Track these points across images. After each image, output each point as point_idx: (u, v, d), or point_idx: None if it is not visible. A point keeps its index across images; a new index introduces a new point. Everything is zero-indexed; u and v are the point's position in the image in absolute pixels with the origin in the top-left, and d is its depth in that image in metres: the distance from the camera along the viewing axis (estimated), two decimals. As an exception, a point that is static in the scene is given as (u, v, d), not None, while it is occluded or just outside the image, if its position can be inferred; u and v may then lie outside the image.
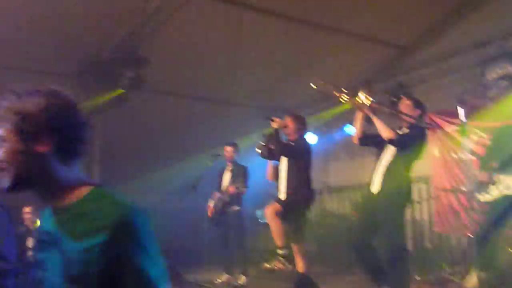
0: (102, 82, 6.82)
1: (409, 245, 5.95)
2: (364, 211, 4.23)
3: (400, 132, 4.17)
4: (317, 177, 9.29)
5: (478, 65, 6.70)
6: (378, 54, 8.12)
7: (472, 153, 6.92)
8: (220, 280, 6.24)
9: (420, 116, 4.23)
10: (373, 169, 4.23)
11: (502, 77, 6.41)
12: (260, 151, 4.98)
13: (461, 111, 3.62)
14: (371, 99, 4.05)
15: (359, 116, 4.25)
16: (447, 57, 7.24)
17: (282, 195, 4.84)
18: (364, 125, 4.26)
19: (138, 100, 7.02)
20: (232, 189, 6.28)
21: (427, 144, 4.41)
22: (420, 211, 7.50)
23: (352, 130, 4.38)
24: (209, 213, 6.57)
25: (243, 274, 6.22)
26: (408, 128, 4.20)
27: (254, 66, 7.20)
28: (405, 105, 4.23)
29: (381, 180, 4.06)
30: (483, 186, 4.02)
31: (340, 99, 4.19)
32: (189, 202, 6.83)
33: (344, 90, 4.19)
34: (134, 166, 8.01)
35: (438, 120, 7.37)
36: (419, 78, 7.70)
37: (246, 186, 6.25)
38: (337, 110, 9.05)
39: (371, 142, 4.35)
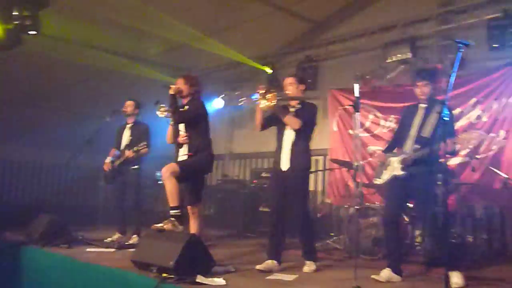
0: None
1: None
2: (277, 189, 4.47)
3: (293, 110, 4.51)
4: (221, 143, 9.47)
5: (381, 48, 7.07)
6: (292, 26, 8.28)
7: (366, 130, 7.37)
8: (110, 239, 6.11)
9: (305, 90, 4.61)
10: (278, 148, 4.52)
11: (401, 62, 6.82)
12: (162, 114, 4.90)
13: (356, 87, 3.78)
14: (272, 102, 4.25)
15: (258, 110, 4.43)
16: (355, 37, 7.54)
17: (183, 157, 4.82)
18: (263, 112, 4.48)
19: (35, 45, 6.49)
20: (129, 153, 6.10)
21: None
22: (316, 182, 7.91)
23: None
24: (105, 168, 6.37)
25: (136, 234, 6.14)
26: (300, 105, 4.53)
27: (169, 22, 6.95)
28: (289, 83, 4.53)
29: (289, 158, 4.39)
30: (380, 168, 4.29)
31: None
32: (85, 158, 6.56)
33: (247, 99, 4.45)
34: (26, 116, 7.48)
35: (339, 96, 7.72)
36: (328, 54, 7.98)
37: (147, 146, 6.11)
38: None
39: (273, 123, 4.60)
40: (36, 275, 5.00)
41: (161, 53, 8.13)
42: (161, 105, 4.89)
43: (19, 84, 7.35)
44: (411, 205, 5.10)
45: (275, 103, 4.26)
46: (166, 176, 4.50)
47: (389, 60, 6.88)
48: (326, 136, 7.70)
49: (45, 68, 7.47)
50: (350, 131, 7.49)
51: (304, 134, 4.44)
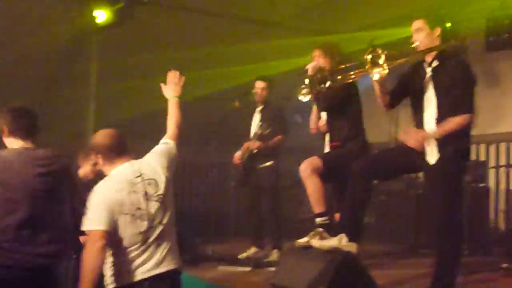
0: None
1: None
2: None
3: (429, 70, 4.15)
4: (383, 128, 9.26)
5: None
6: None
7: None
8: (245, 255, 6.39)
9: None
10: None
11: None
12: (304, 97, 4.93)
13: None
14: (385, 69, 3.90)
15: (375, 84, 4.19)
16: None
17: (327, 148, 4.85)
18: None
19: (145, 17, 7.02)
20: (253, 145, 6.30)
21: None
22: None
23: None
24: (235, 162, 6.63)
25: (276, 248, 6.32)
26: (437, 60, 4.13)
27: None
28: (416, 29, 4.15)
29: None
30: None
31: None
32: (210, 155, 6.89)
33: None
34: (138, 101, 8.11)
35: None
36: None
37: (282, 134, 6.22)
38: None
39: (404, 94, 4.35)
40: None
41: (295, 15, 8.21)
42: (302, 86, 4.92)
43: (127, 62, 8.01)
44: None
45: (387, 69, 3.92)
46: (306, 174, 4.54)
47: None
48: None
49: (158, 43, 8.03)
50: None
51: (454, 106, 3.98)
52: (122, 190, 3.34)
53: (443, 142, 3.94)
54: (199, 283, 5.06)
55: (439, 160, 3.96)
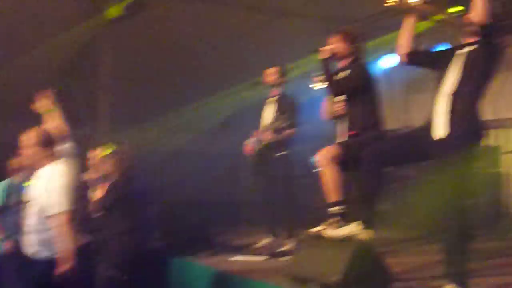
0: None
1: None
2: None
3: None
4: (394, 114, 9.25)
5: None
6: None
7: None
8: (260, 245, 6.42)
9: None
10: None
11: None
12: (317, 85, 4.94)
13: None
14: None
15: (408, 23, 4.12)
16: None
17: (342, 137, 4.84)
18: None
19: (158, 9, 7.02)
20: (267, 135, 6.32)
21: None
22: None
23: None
24: (246, 150, 6.66)
25: (290, 237, 6.34)
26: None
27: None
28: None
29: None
30: None
31: None
32: (223, 144, 6.94)
33: None
34: (153, 97, 8.14)
35: None
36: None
37: (294, 126, 6.25)
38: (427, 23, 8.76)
39: (428, 61, 4.30)
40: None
41: (306, 2, 8.17)
42: (316, 73, 4.93)
43: (139, 57, 8.01)
44: None
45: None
46: (324, 162, 4.56)
47: None
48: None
49: (168, 34, 8.02)
50: None
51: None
52: None
53: (454, 118, 3.89)
54: (215, 273, 5.12)
55: (448, 136, 3.90)
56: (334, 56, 4.80)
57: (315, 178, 5.55)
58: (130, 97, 7.98)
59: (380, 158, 4.23)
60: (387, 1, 3.93)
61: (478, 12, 3.70)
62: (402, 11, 4.08)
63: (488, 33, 3.73)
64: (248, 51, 8.24)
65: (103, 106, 8.04)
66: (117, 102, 7.72)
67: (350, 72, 4.80)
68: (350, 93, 4.79)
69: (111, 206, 5.22)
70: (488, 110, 4.11)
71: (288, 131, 6.28)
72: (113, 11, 6.93)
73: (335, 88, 4.81)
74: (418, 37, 4.19)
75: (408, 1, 3.93)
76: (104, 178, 5.43)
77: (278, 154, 6.40)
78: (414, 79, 9.20)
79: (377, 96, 4.86)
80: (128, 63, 7.77)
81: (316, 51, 4.79)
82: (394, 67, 8.74)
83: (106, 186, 5.36)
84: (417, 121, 4.69)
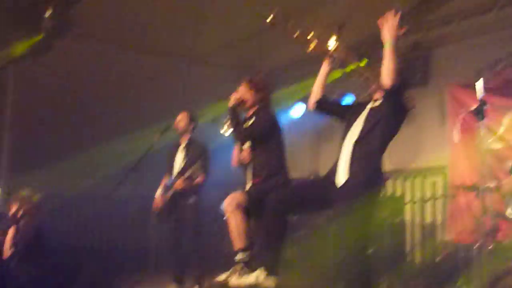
0: (19, 25, 6.74)
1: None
2: None
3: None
4: (304, 162, 9.42)
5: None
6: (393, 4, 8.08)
7: (501, 138, 7.05)
8: (165, 293, 6.31)
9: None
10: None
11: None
12: (226, 131, 5.01)
13: (479, 85, 3.57)
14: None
15: (325, 69, 4.29)
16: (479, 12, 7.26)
17: (248, 185, 4.88)
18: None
19: (64, 49, 6.91)
20: (178, 184, 6.31)
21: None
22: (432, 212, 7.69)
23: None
24: (154, 206, 6.61)
25: (197, 284, 6.28)
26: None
27: (225, 13, 7.12)
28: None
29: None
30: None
31: (308, 41, 4.15)
32: (131, 189, 6.81)
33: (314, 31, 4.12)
34: (58, 138, 7.92)
35: (462, 94, 7.42)
36: (443, 37, 7.75)
37: (205, 173, 6.26)
38: (336, 74, 9.08)
39: (336, 111, 4.48)
40: None
41: (215, 51, 8.29)
42: (225, 120, 4.99)
43: (43, 97, 7.82)
44: None
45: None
46: (230, 209, 4.57)
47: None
48: (445, 150, 7.45)
49: (75, 77, 7.89)
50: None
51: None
52: None
53: (354, 165, 4.00)
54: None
55: (346, 183, 3.99)
56: (241, 104, 4.89)
57: (224, 225, 5.59)
58: (34, 139, 7.69)
59: (284, 205, 4.28)
60: (309, 47, 4.08)
61: (386, 72, 3.82)
62: (322, 55, 4.21)
63: (393, 92, 3.87)
64: (159, 95, 8.21)
65: (6, 147, 7.71)
66: (20, 144, 7.42)
67: (254, 120, 4.91)
68: (254, 140, 4.87)
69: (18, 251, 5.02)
70: (393, 160, 4.24)
71: (198, 178, 6.27)
72: (19, 49, 6.76)
73: (242, 135, 4.88)
74: (329, 86, 4.34)
75: (328, 47, 4.11)
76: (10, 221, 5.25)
77: (188, 200, 6.37)
78: (324, 128, 9.47)
79: (282, 143, 4.97)
80: (32, 104, 7.54)
81: (225, 98, 4.87)
82: (305, 115, 8.94)
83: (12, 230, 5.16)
84: (326, 169, 4.85)
